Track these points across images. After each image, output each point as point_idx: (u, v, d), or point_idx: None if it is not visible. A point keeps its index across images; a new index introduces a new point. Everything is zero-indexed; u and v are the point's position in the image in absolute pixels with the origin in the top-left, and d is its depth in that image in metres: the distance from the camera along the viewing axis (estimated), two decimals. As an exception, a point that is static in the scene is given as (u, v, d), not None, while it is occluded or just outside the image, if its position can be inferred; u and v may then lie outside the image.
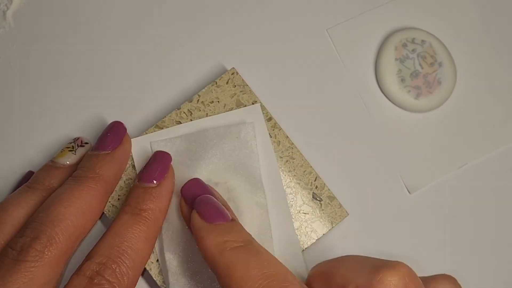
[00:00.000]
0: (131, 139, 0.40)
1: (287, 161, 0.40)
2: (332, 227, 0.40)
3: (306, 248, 0.40)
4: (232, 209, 0.38)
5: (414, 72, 0.43)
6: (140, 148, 0.40)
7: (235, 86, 0.40)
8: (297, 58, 0.43)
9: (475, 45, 0.44)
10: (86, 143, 0.40)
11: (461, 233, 0.42)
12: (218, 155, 0.39)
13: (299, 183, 0.40)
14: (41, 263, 0.34)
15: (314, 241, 0.40)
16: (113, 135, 0.39)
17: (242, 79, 0.40)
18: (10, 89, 0.43)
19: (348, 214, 0.41)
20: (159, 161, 0.38)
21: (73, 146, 0.40)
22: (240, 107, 0.40)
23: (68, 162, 0.39)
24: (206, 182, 0.38)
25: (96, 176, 0.37)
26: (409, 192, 0.42)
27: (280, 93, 0.43)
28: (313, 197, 0.40)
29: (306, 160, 0.41)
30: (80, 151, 0.40)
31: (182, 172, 0.39)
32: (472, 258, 0.42)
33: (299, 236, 0.40)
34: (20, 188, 0.39)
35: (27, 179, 0.40)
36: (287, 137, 0.40)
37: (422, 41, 0.43)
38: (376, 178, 0.42)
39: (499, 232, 0.42)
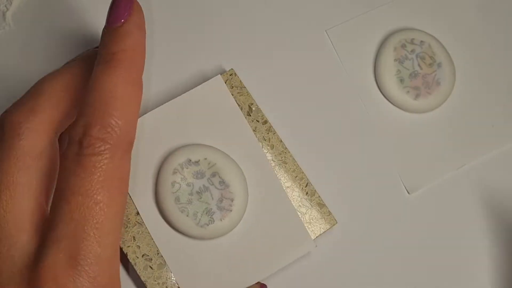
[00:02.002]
0: None
1: (279, 165, 0.40)
2: (320, 235, 0.40)
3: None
4: (218, 182, 0.38)
5: (413, 73, 0.43)
6: None
7: (233, 87, 0.40)
8: (296, 59, 0.43)
9: (474, 46, 0.45)
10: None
11: (460, 234, 0.42)
12: (189, 126, 0.39)
13: (289, 188, 0.40)
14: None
15: (301, 255, 0.40)
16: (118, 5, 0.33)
17: (240, 81, 0.40)
18: (9, 90, 0.43)
19: (336, 222, 0.41)
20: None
21: None
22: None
23: None
24: (185, 163, 0.38)
25: (121, 52, 0.32)
26: (408, 192, 0.42)
27: (278, 95, 0.43)
28: (302, 203, 0.40)
29: (298, 165, 0.40)
30: None
31: (164, 147, 0.39)
32: (472, 257, 0.42)
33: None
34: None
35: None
36: (281, 141, 0.40)
37: (421, 41, 0.43)
38: (375, 179, 0.42)
39: (499, 231, 0.42)
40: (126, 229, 0.38)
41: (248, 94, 0.41)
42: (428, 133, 0.43)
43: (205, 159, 0.38)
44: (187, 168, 0.38)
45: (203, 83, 0.39)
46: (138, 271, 0.37)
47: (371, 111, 0.43)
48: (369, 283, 0.41)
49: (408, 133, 0.43)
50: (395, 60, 0.43)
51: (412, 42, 0.43)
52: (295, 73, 0.43)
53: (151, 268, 0.38)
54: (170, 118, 0.39)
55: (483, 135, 0.43)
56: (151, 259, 0.38)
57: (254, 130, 0.41)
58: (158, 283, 0.38)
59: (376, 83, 0.43)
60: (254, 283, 0.39)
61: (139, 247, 0.38)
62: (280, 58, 0.43)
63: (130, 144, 0.31)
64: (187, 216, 0.38)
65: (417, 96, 0.43)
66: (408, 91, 0.43)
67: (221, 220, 0.38)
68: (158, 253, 0.38)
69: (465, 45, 0.44)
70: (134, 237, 0.38)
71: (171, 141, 0.39)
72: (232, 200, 0.38)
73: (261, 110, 0.41)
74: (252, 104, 0.41)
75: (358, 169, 0.42)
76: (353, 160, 0.43)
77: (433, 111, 0.43)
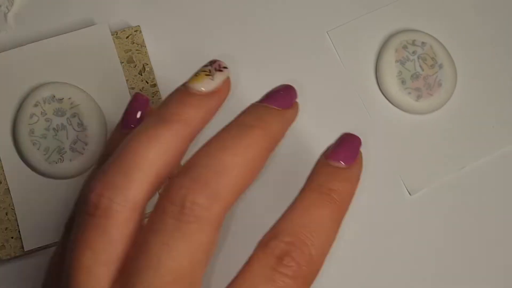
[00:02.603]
0: None
1: None
2: None
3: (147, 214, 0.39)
4: (76, 123, 0.39)
5: (415, 74, 0.43)
6: None
7: (134, 43, 0.41)
8: (297, 60, 0.44)
9: (476, 47, 0.44)
10: (225, 67, 0.34)
11: (462, 235, 0.42)
12: (63, 65, 0.40)
13: None
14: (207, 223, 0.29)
15: (150, 210, 0.38)
16: (286, 93, 0.34)
17: (143, 40, 0.41)
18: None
19: None
20: (349, 143, 0.33)
21: (209, 70, 0.33)
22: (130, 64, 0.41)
23: (203, 89, 0.32)
24: (49, 98, 0.39)
25: (265, 127, 0.32)
26: (409, 193, 0.42)
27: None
28: None
29: None
30: (218, 77, 0.33)
31: (33, 79, 0.40)
32: (473, 260, 0.42)
33: None
34: (147, 120, 0.31)
35: (139, 105, 0.34)
36: None
37: (423, 43, 0.43)
38: (376, 179, 0.42)
39: (499, 233, 0.42)
40: None
41: (146, 54, 0.41)
42: (429, 134, 0.43)
43: (69, 98, 0.39)
44: (49, 104, 0.39)
45: (87, 27, 0.41)
46: None
47: (372, 112, 0.43)
48: (371, 284, 0.41)
49: (409, 134, 0.43)
50: (397, 61, 0.43)
51: (413, 43, 0.43)
52: (296, 74, 0.43)
53: (-3, 191, 0.39)
54: (48, 54, 0.40)
55: (484, 137, 0.43)
56: (0, 182, 0.39)
57: (140, 90, 0.41)
58: (0, 207, 0.39)
59: (378, 84, 0.43)
60: None
61: None
62: (281, 59, 0.44)
63: None
64: (38, 149, 0.39)
65: (418, 97, 0.42)
66: (409, 92, 0.42)
67: (70, 160, 0.39)
68: (6, 179, 0.39)
69: (467, 46, 0.44)
70: None
71: (42, 76, 0.40)
72: (86, 144, 0.39)
73: (153, 73, 0.41)
74: (147, 64, 0.41)
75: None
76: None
77: (435, 112, 0.43)
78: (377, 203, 0.42)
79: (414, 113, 0.43)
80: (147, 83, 0.41)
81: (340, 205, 0.31)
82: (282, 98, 0.34)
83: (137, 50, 0.41)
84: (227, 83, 0.33)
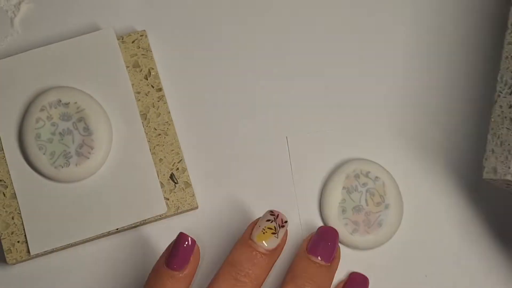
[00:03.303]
0: None
1: (159, 134, 0.40)
2: (177, 213, 0.40)
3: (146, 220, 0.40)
4: (82, 128, 0.39)
5: (358, 207, 0.40)
6: None
7: (139, 48, 0.41)
8: (252, 155, 0.42)
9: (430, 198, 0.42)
10: (286, 221, 0.37)
11: None
12: (69, 70, 0.40)
13: (162, 160, 0.40)
14: None
15: (150, 216, 0.39)
16: (332, 243, 0.37)
17: (148, 44, 0.41)
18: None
19: (198, 207, 0.40)
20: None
21: (275, 227, 0.36)
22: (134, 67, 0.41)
23: (269, 247, 0.36)
24: (55, 103, 0.39)
25: None
26: None
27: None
28: (170, 177, 0.40)
29: (177, 140, 0.40)
30: (281, 233, 0.36)
31: (40, 84, 0.40)
32: None
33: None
34: (223, 276, 0.36)
35: (188, 250, 0.36)
36: (169, 112, 0.40)
37: (376, 177, 0.41)
38: None
39: None
40: None
41: (151, 58, 0.41)
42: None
43: (75, 103, 0.39)
44: (55, 108, 0.39)
45: (93, 32, 0.41)
46: None
47: (305, 229, 0.41)
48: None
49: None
50: (344, 188, 0.41)
51: (366, 175, 0.41)
52: (246, 163, 0.42)
53: (4, 195, 0.39)
54: (54, 59, 0.41)
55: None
56: (7, 187, 0.39)
57: (146, 94, 0.41)
58: (6, 211, 0.39)
59: (319, 204, 0.41)
60: (98, 234, 0.39)
61: None
62: (239, 147, 0.42)
63: None
64: (44, 154, 0.39)
65: (354, 231, 0.40)
66: (346, 223, 0.40)
67: (76, 165, 0.39)
68: (12, 183, 0.40)
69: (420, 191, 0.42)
70: None
71: (48, 81, 0.41)
72: (92, 148, 0.39)
73: (159, 77, 0.41)
74: (153, 69, 0.41)
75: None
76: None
77: (369, 250, 0.41)
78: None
79: (344, 244, 0.40)
80: (153, 87, 0.41)
81: None
82: (330, 250, 0.37)
83: (142, 54, 0.41)
84: (286, 236, 0.37)
